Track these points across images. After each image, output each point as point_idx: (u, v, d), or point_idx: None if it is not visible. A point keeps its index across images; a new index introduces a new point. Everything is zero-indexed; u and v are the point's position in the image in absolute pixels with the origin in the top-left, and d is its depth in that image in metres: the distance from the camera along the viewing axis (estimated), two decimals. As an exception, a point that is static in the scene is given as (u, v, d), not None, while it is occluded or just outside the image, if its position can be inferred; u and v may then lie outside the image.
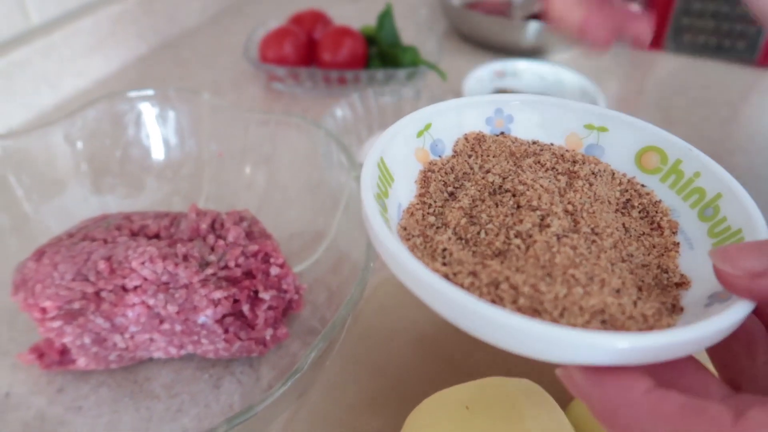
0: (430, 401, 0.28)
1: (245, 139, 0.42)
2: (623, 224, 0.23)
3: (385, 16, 0.64)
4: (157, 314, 0.33)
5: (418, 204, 0.24)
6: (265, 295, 0.34)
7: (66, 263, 0.33)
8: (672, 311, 0.20)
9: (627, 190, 0.25)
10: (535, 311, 0.18)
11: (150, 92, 0.41)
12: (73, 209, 0.41)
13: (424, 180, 0.24)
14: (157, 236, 0.36)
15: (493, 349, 0.36)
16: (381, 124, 0.53)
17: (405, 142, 0.24)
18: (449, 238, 0.21)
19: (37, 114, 0.59)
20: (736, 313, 0.18)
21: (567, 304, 0.18)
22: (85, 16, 0.62)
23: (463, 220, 0.22)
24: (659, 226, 0.23)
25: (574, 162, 0.25)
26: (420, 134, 0.25)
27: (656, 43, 0.76)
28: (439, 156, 0.26)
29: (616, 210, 0.24)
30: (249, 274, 0.35)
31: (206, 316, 0.33)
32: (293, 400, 0.29)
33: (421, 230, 0.22)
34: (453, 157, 0.26)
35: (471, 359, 0.35)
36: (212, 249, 0.35)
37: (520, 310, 0.18)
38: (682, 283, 0.21)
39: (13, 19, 0.57)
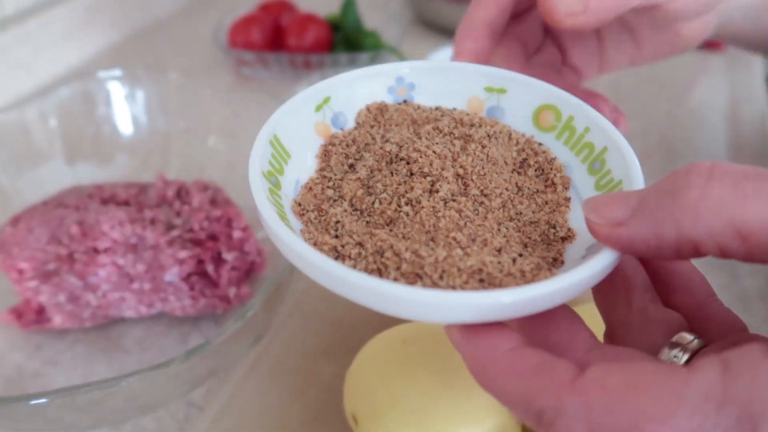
0: (374, 341, 0.31)
1: (210, 114, 0.45)
2: (517, 183, 0.24)
3: (349, 4, 0.66)
4: (126, 273, 0.36)
5: (317, 178, 0.24)
6: (228, 256, 0.37)
7: (41, 228, 0.36)
8: (552, 265, 0.21)
9: (524, 150, 0.25)
10: (416, 276, 0.19)
11: (118, 72, 0.43)
12: (47, 182, 0.43)
13: (325, 154, 0.25)
14: (126, 203, 0.38)
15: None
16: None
17: (303, 118, 0.24)
18: (344, 210, 0.22)
19: (14, 99, 0.61)
20: (596, 264, 0.18)
21: (446, 267, 0.19)
22: (60, 4, 0.65)
23: (360, 191, 0.23)
24: (553, 183, 0.24)
25: (472, 125, 0.25)
26: (319, 108, 0.25)
27: None
28: (341, 129, 0.26)
29: (513, 170, 0.25)
30: (213, 237, 0.38)
31: (173, 274, 0.36)
32: (250, 343, 0.32)
33: (317, 204, 0.23)
34: (355, 128, 0.26)
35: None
36: (178, 214, 0.38)
37: (403, 275, 0.19)
38: (568, 237, 0.22)
39: (-13, 8, 0.59)
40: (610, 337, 0.21)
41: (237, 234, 0.38)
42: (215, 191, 0.40)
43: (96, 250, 0.36)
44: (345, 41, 0.67)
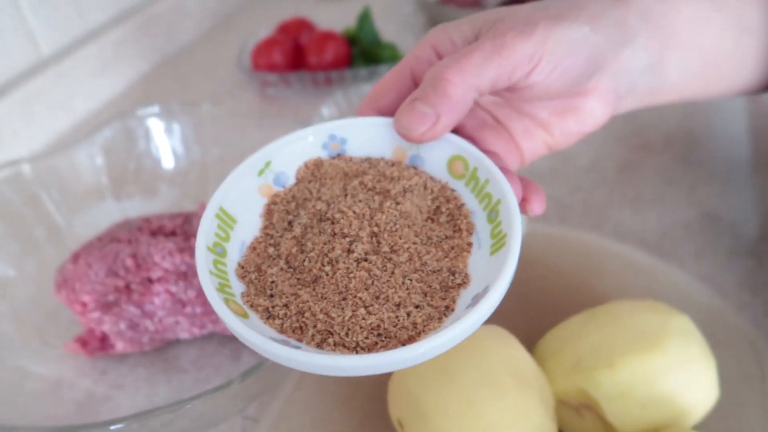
0: (413, 349, 0.33)
1: (243, 142, 0.47)
2: (428, 233, 0.26)
3: (364, 18, 0.69)
4: (179, 299, 0.39)
5: (261, 237, 0.26)
6: (270, 277, 0.40)
7: (98, 263, 0.39)
8: (444, 313, 0.24)
9: (437, 197, 0.28)
10: (329, 333, 0.23)
11: (156, 109, 0.46)
12: (98, 217, 0.47)
13: (269, 213, 0.27)
14: (173, 233, 0.41)
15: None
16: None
17: (247, 183, 0.27)
18: (280, 269, 0.25)
19: (55, 136, 0.65)
20: (475, 316, 0.22)
21: (350, 325, 0.23)
22: (90, 42, 0.68)
23: (294, 249, 0.25)
24: (460, 229, 0.26)
25: (392, 179, 0.28)
26: (261, 173, 0.27)
27: None
28: (283, 187, 0.28)
29: (427, 218, 0.27)
30: (255, 260, 0.40)
31: (221, 297, 0.39)
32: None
33: (258, 264, 0.25)
34: (295, 185, 0.28)
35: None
36: (222, 240, 0.40)
37: (319, 332, 0.23)
38: (463, 283, 0.25)
39: (25, 52, 0.63)
40: None
41: (277, 255, 0.40)
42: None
43: (150, 280, 0.38)
44: (363, 55, 0.69)
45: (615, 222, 0.50)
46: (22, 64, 0.62)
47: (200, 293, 0.39)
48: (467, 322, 0.22)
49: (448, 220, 0.27)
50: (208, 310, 0.39)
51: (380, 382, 0.38)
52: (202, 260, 0.24)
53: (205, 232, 0.25)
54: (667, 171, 0.54)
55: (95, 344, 0.39)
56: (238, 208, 0.26)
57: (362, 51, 0.69)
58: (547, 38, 0.28)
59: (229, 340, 0.42)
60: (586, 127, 0.32)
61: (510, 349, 0.32)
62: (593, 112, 0.32)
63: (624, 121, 0.61)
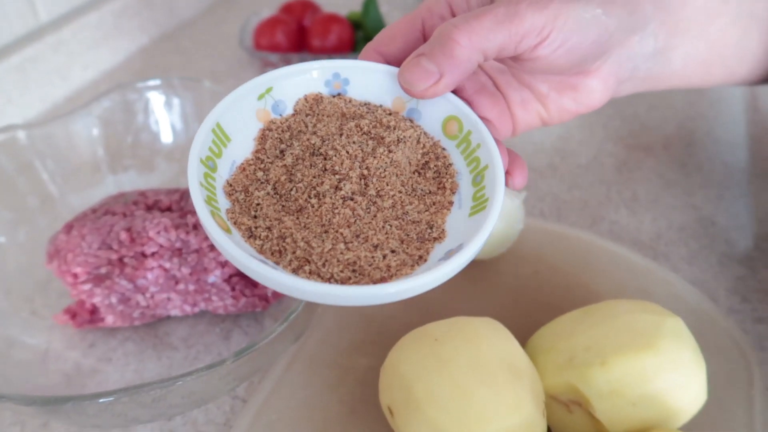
0: (407, 337, 0.33)
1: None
2: (413, 185, 0.27)
3: (370, 3, 0.68)
4: (173, 276, 0.38)
5: (252, 160, 0.27)
6: (265, 258, 0.40)
7: (92, 234, 0.38)
8: (417, 262, 0.25)
9: (428, 153, 0.28)
10: (306, 260, 0.24)
11: (157, 82, 0.46)
12: (92, 189, 0.46)
13: (262, 138, 0.28)
14: (169, 209, 0.41)
15: (467, 301, 0.40)
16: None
17: (245, 105, 0.27)
18: (267, 194, 0.26)
19: (51, 105, 0.64)
20: (446, 268, 0.23)
21: (328, 257, 0.24)
22: (90, 11, 0.67)
23: (283, 177, 0.26)
24: (444, 187, 0.27)
25: (387, 128, 0.28)
26: (261, 97, 0.28)
27: None
28: (280, 115, 0.28)
29: (415, 170, 0.28)
30: (251, 240, 0.40)
31: (215, 276, 0.38)
32: (291, 341, 0.35)
33: (245, 185, 0.26)
34: (292, 116, 0.29)
35: (445, 309, 0.40)
36: (218, 219, 0.40)
37: (297, 259, 0.24)
38: (439, 237, 0.26)
39: (24, 18, 0.61)
40: None
41: (273, 236, 0.40)
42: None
43: (144, 255, 0.38)
44: (367, 39, 0.68)
45: (611, 221, 0.50)
46: (19, 29, 0.61)
47: (194, 271, 0.38)
48: (437, 273, 0.23)
49: (434, 177, 0.28)
50: (201, 288, 0.39)
51: (371, 368, 0.38)
52: (194, 171, 0.24)
53: (200, 144, 0.25)
54: (664, 173, 0.55)
55: (85, 316, 0.39)
56: (233, 127, 0.27)
57: (366, 36, 0.68)
58: (559, 14, 0.28)
59: (220, 319, 0.41)
60: (581, 106, 0.33)
61: (503, 341, 0.32)
62: (592, 93, 0.32)
63: (623, 122, 0.62)
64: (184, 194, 0.42)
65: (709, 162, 0.56)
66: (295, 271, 0.24)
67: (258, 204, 0.25)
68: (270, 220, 0.25)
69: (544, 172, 0.55)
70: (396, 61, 0.30)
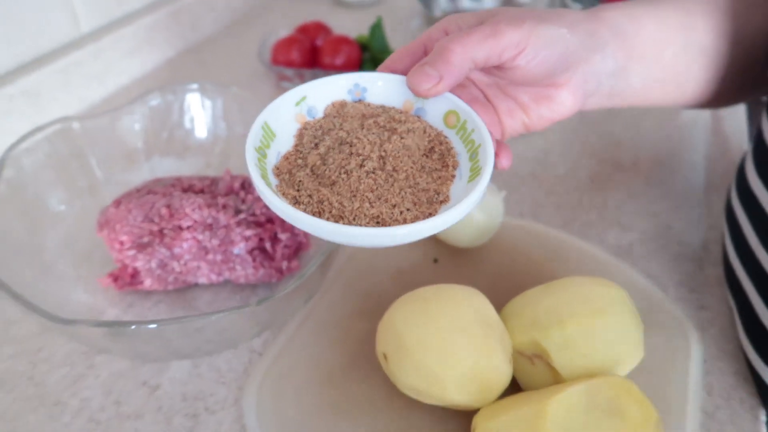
0: (401, 299, 0.40)
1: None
2: (422, 164, 0.34)
3: (376, 27, 0.76)
4: (203, 246, 0.45)
5: (292, 151, 0.34)
6: (282, 236, 0.47)
7: (137, 209, 0.45)
8: (427, 218, 0.31)
9: (433, 140, 0.35)
10: (340, 217, 0.30)
11: (194, 86, 0.53)
12: (131, 176, 0.53)
13: (300, 135, 0.35)
14: (202, 192, 0.48)
15: (452, 282, 0.47)
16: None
17: (286, 110, 0.34)
18: (306, 174, 0.32)
19: (88, 105, 0.71)
20: (451, 214, 0.30)
21: (357, 213, 0.30)
22: (126, 25, 0.75)
23: (318, 162, 0.33)
24: (447, 165, 0.34)
25: (399, 122, 0.35)
26: (298, 104, 0.35)
27: None
28: (313, 118, 0.36)
29: (423, 154, 0.34)
30: (270, 221, 0.47)
31: (240, 248, 0.45)
32: (304, 300, 0.41)
33: (289, 169, 0.33)
34: (323, 118, 0.36)
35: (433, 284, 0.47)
36: (243, 201, 0.47)
37: (333, 216, 0.30)
38: (444, 201, 0.33)
39: (68, 28, 0.69)
40: None
41: (289, 218, 0.47)
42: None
43: (180, 228, 0.45)
44: (373, 60, 0.76)
45: (581, 222, 0.57)
46: (63, 38, 0.69)
47: (222, 243, 0.45)
48: (439, 219, 0.30)
49: (438, 158, 0.34)
50: (227, 258, 0.46)
51: (368, 330, 0.44)
52: (251, 155, 0.31)
53: (253, 136, 0.32)
54: (631, 185, 0.62)
55: (126, 279, 0.46)
56: (277, 126, 0.34)
57: (372, 57, 0.76)
58: (531, 31, 0.35)
59: (240, 288, 0.48)
60: (556, 114, 0.40)
61: (480, 303, 0.39)
62: (564, 103, 0.39)
63: (599, 139, 0.69)
64: (214, 180, 0.49)
65: (671, 177, 0.64)
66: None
67: (300, 181, 0.32)
68: (310, 191, 0.31)
69: (525, 179, 0.63)
70: (405, 74, 0.37)
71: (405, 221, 0.31)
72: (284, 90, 0.77)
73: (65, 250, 0.47)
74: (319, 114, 0.36)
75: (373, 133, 0.34)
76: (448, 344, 0.36)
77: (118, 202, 0.46)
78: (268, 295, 0.48)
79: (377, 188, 0.32)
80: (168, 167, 0.54)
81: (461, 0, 0.95)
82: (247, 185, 0.48)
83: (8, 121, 0.62)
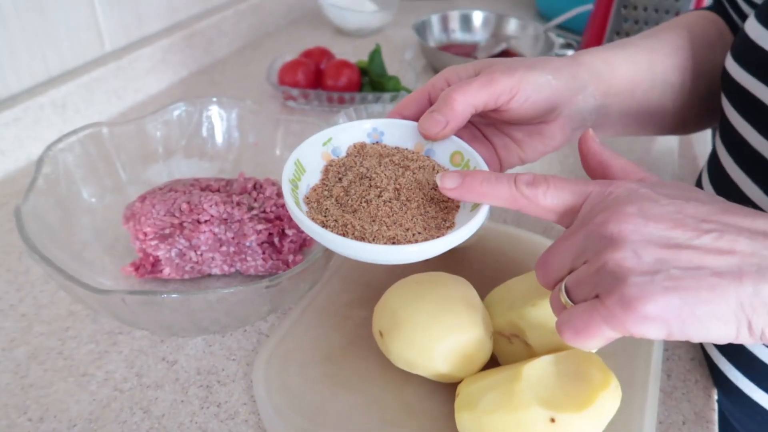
0: (396, 284, 0.45)
1: (275, 133, 0.60)
2: (432, 197, 0.39)
3: (375, 53, 0.83)
4: (219, 239, 0.50)
5: (319, 184, 0.39)
6: (289, 232, 0.52)
7: (160, 204, 0.51)
8: (435, 239, 0.36)
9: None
10: (362, 238, 0.35)
11: (213, 99, 0.59)
12: (151, 177, 0.58)
13: (326, 171, 0.40)
14: (218, 191, 0.53)
15: (445, 270, 0.52)
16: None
17: (314, 149, 0.40)
18: (332, 203, 0.37)
19: (107, 118, 0.77)
20: (445, 242, 0.35)
21: (376, 234, 0.35)
22: (145, 46, 0.81)
23: (342, 193, 0.38)
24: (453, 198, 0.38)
25: (412, 160, 0.40)
26: (324, 144, 0.41)
27: (598, 38, 0.92)
28: (338, 156, 0.41)
29: (432, 188, 0.39)
30: (279, 218, 0.52)
31: (251, 240, 0.51)
32: (309, 285, 0.46)
33: (317, 198, 0.38)
34: (346, 157, 0.41)
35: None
36: (255, 200, 0.53)
37: (355, 237, 0.35)
38: (450, 226, 0.38)
39: (93, 46, 0.75)
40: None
41: (296, 217, 0.53)
42: (279, 187, 0.55)
43: (199, 222, 0.50)
44: (371, 83, 0.83)
45: (559, 230, 0.63)
46: (89, 55, 0.75)
47: (236, 236, 0.50)
48: (445, 240, 0.35)
49: None
50: (240, 250, 0.51)
51: (365, 317, 0.49)
52: (286, 186, 0.37)
53: (288, 170, 0.38)
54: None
55: (147, 268, 0.51)
56: (307, 162, 0.39)
57: (371, 80, 0.83)
58: (522, 79, 0.41)
59: (249, 279, 0.53)
60: (548, 147, 0.46)
61: (466, 289, 0.44)
62: (554, 137, 0.45)
63: (576, 160, 0.76)
64: (229, 182, 0.54)
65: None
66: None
67: (327, 209, 0.37)
68: (336, 217, 0.36)
69: (509, 191, 0.68)
70: (411, 120, 0.43)
71: (417, 242, 0.35)
72: (289, 109, 0.83)
73: (92, 241, 0.52)
74: (343, 153, 0.41)
75: (390, 170, 0.39)
76: (437, 321, 0.41)
77: (143, 198, 0.51)
78: (274, 285, 0.53)
79: (393, 215, 0.37)
80: (185, 171, 0.60)
81: (454, 31, 1.02)
82: (258, 186, 0.54)
83: (38, 128, 0.68)
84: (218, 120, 0.60)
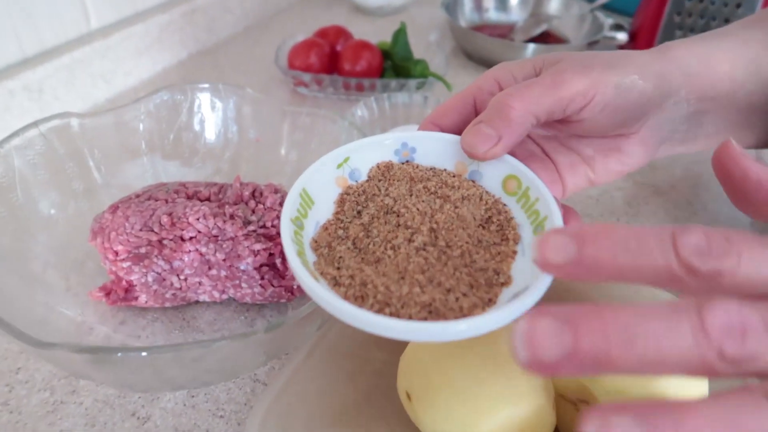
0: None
1: (280, 127, 0.50)
2: (479, 237, 0.29)
3: (400, 33, 0.72)
4: (207, 260, 0.41)
5: (333, 220, 0.30)
6: (294, 252, 0.42)
7: (135, 216, 0.41)
8: (487, 304, 0.27)
9: (491, 209, 0.31)
10: (386, 304, 0.26)
11: (205, 85, 0.49)
12: (132, 180, 0.49)
13: (341, 201, 0.31)
14: (208, 199, 0.43)
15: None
16: (393, 123, 0.61)
17: (326, 173, 0.31)
18: (347, 248, 0.28)
19: (92, 105, 0.67)
20: (512, 310, 0.24)
21: (406, 300, 0.26)
22: (138, 22, 0.71)
23: (361, 234, 0.29)
24: (507, 238, 0.29)
25: (452, 187, 0.31)
26: (340, 166, 0.32)
27: (649, 42, 0.82)
28: (356, 181, 0.32)
29: (479, 224, 0.30)
30: (282, 234, 0.42)
31: (247, 263, 0.41)
32: (317, 325, 0.37)
33: (329, 242, 0.29)
34: (367, 181, 0.32)
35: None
36: (253, 211, 0.43)
37: (377, 302, 0.26)
38: (506, 282, 0.28)
39: (77, 23, 0.66)
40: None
41: (303, 233, 0.43)
42: (283, 194, 0.45)
43: (182, 239, 0.41)
44: (394, 68, 0.72)
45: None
46: (72, 33, 0.65)
47: (228, 257, 0.41)
48: (505, 312, 0.25)
49: (497, 229, 0.30)
50: (233, 274, 0.41)
51: (389, 362, 0.39)
52: (286, 228, 0.27)
53: (290, 205, 0.28)
54: (671, 210, 0.57)
55: (119, 294, 0.41)
56: (317, 191, 0.30)
57: (394, 65, 0.72)
58: (600, 80, 0.31)
59: (245, 308, 0.44)
60: (626, 167, 0.36)
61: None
62: (634, 154, 0.35)
63: (635, 161, 0.65)
64: (222, 187, 0.44)
65: (714, 202, 0.59)
66: (377, 314, 0.25)
67: (340, 257, 0.28)
68: (352, 270, 0.27)
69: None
70: (452, 132, 0.33)
71: (462, 310, 0.26)
72: (300, 97, 0.73)
73: (54, 259, 0.43)
74: (363, 177, 0.33)
75: (423, 201, 0.30)
76: (483, 386, 0.31)
77: (114, 208, 0.42)
78: (276, 316, 0.43)
79: (428, 268, 0.27)
80: (174, 172, 0.50)
81: (488, 10, 0.91)
82: (258, 194, 0.44)
83: (7, 117, 0.58)
84: (212, 111, 0.50)
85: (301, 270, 0.26)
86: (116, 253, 0.40)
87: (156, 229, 0.41)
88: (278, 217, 0.42)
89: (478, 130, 0.30)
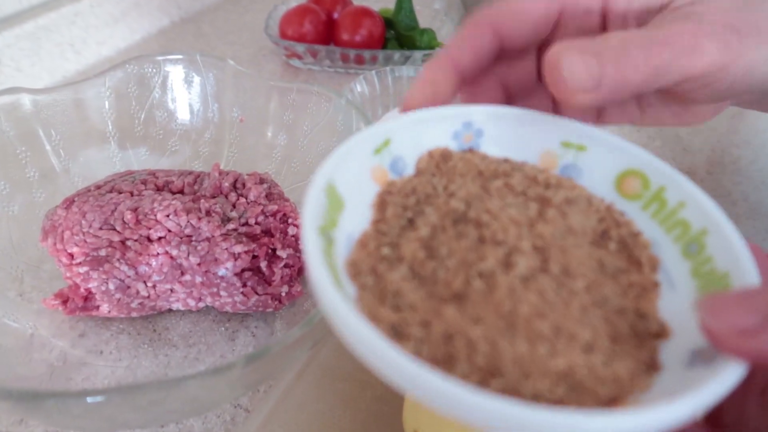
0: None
1: (267, 106, 0.43)
2: (597, 260, 0.20)
3: (404, 0, 0.65)
4: (179, 265, 0.35)
5: (372, 233, 0.20)
6: (282, 253, 0.36)
7: (94, 212, 0.35)
8: (649, 369, 0.18)
9: (605, 219, 0.22)
10: (491, 373, 0.16)
11: (178, 56, 0.42)
12: (97, 166, 0.42)
13: (381, 204, 0.21)
14: (181, 192, 0.37)
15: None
16: (396, 101, 0.55)
17: (360, 161, 0.21)
18: (403, 277, 0.19)
19: (61, 78, 0.61)
20: (724, 381, 0.15)
21: (529, 365, 0.16)
22: (111, -15, 0.64)
23: (421, 254, 0.19)
24: (638, 262, 0.21)
25: (548, 186, 0.22)
26: (378, 151, 0.22)
27: None
28: (400, 175, 0.22)
29: (592, 242, 0.21)
30: (268, 233, 0.36)
31: (226, 268, 0.35)
32: (308, 348, 0.31)
33: (373, 266, 0.19)
34: (415, 176, 0.22)
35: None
36: (234, 206, 0.36)
37: (477, 370, 0.16)
38: (662, 333, 0.19)
39: (41, -15, 0.58)
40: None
41: (292, 230, 0.37)
42: (270, 185, 0.39)
43: (149, 239, 0.34)
44: (398, 38, 0.65)
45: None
46: (35, -4, 0.58)
47: (203, 261, 0.34)
48: (725, 382, 0.15)
49: (618, 249, 0.21)
50: (209, 281, 0.35)
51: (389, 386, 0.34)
52: (313, 244, 0.17)
53: (315, 207, 0.18)
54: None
55: (77, 302, 0.35)
56: (347, 189, 0.20)
57: (398, 34, 0.65)
58: (740, 55, 0.23)
59: (226, 318, 0.38)
60: (680, 122, 0.29)
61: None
62: (699, 113, 0.28)
63: (664, 143, 0.58)
64: (199, 177, 0.38)
65: (756, 192, 0.53)
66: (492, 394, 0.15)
67: (397, 290, 0.18)
68: (422, 312, 0.17)
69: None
70: (514, 50, 0.25)
71: (618, 382, 0.17)
72: (293, 70, 0.66)
73: (3, 259, 0.37)
74: (409, 169, 0.23)
75: (511, 205, 0.21)
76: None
77: (69, 202, 0.35)
78: (262, 327, 0.37)
79: (549, 312, 0.18)
80: (145, 158, 0.44)
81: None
82: (239, 186, 0.38)
83: (-42, 93, 0.52)
84: (189, 87, 0.43)
85: (354, 317, 0.15)
86: (71, 256, 0.34)
87: (118, 228, 0.34)
88: (263, 213, 0.36)
89: (580, 48, 0.21)
